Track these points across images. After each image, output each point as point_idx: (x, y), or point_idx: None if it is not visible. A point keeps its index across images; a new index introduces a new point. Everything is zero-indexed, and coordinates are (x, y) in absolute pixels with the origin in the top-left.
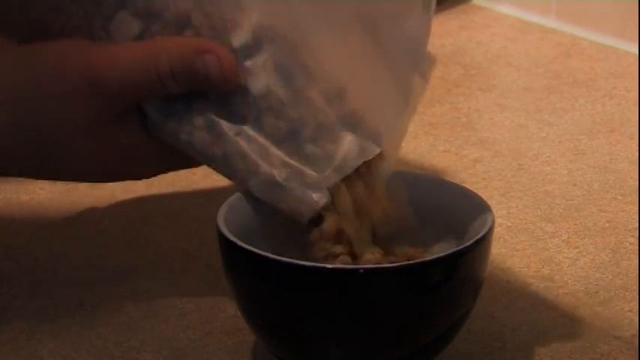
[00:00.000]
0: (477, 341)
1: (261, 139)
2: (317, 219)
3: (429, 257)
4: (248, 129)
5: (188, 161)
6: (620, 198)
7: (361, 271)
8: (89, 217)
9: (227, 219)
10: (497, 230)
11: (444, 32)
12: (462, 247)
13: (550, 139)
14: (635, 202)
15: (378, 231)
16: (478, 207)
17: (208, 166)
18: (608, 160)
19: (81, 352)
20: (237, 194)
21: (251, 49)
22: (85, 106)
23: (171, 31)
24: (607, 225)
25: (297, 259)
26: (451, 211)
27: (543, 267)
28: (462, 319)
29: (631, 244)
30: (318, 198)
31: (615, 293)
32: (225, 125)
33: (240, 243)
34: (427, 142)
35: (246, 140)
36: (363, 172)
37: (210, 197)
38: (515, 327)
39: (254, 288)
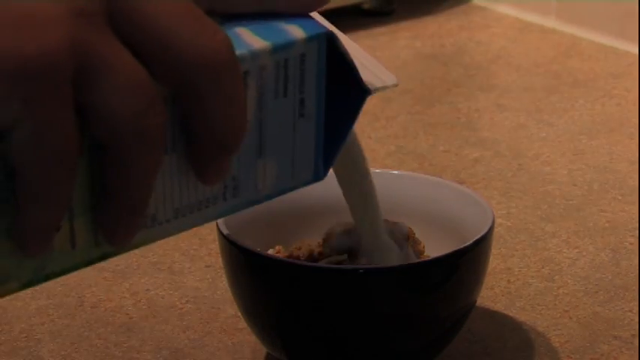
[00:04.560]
0: (476, 341)
1: None
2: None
3: (429, 257)
4: None
5: None
6: (620, 198)
7: (361, 271)
8: None
9: (227, 219)
10: (497, 230)
11: (444, 32)
12: (462, 247)
13: (550, 139)
14: (635, 202)
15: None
16: (478, 207)
17: None
18: (608, 160)
19: (81, 352)
20: None
21: None
22: None
23: None
24: (607, 225)
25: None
26: (451, 211)
27: (543, 267)
28: (461, 318)
29: (631, 244)
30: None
31: (615, 293)
32: None
33: (240, 243)
34: (427, 142)
35: None
36: None
37: None
38: (515, 327)
39: (254, 288)
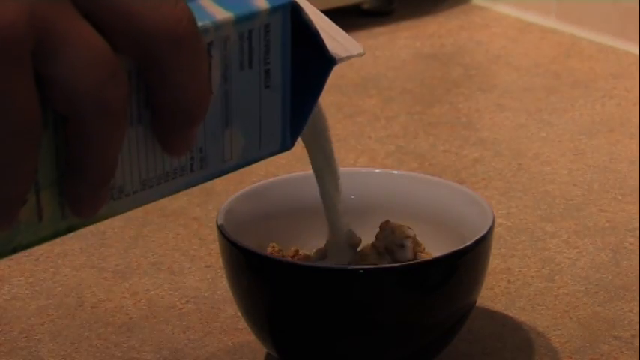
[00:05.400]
0: (476, 341)
1: None
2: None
3: (429, 257)
4: None
5: None
6: (620, 198)
7: (361, 271)
8: None
9: (227, 219)
10: (497, 230)
11: (444, 32)
12: (462, 247)
13: (550, 139)
14: (635, 202)
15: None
16: (478, 207)
17: None
18: (608, 160)
19: (81, 352)
20: (238, 194)
21: None
22: None
23: None
24: (607, 225)
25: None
26: (451, 211)
27: (543, 267)
28: (461, 319)
29: (631, 244)
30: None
31: (615, 293)
32: None
33: (240, 243)
34: (427, 142)
35: None
36: None
37: (210, 197)
38: (515, 327)
39: (254, 288)
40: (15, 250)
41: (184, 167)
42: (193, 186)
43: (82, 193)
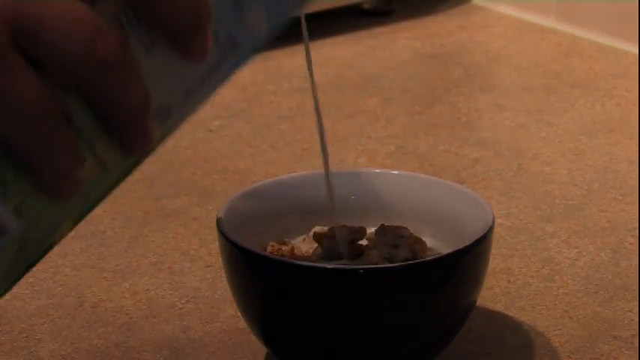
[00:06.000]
0: (476, 341)
1: None
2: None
3: (429, 257)
4: None
5: None
6: (620, 198)
7: (361, 271)
8: (89, 217)
9: (227, 219)
10: (497, 230)
11: (444, 32)
12: (462, 247)
13: (550, 139)
14: (635, 202)
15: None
16: (478, 207)
17: None
18: (608, 160)
19: (81, 352)
20: (238, 194)
21: None
22: None
23: None
24: (607, 225)
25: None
26: (451, 211)
27: (543, 267)
28: (461, 319)
29: (631, 244)
30: None
31: (615, 293)
32: None
33: (240, 243)
34: (427, 142)
35: None
36: None
37: (210, 197)
38: (515, 327)
39: (254, 288)
40: (95, 204)
41: (220, 59)
42: (235, 70)
43: (131, 135)
